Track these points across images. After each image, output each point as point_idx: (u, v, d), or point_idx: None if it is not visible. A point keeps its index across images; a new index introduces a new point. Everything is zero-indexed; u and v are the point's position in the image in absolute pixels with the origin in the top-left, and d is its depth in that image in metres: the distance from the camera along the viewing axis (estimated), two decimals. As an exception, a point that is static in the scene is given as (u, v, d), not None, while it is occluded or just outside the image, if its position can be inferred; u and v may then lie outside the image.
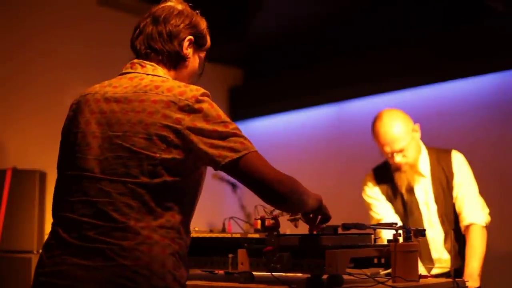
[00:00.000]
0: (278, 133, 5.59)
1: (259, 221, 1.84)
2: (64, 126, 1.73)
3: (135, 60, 1.75)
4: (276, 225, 1.79)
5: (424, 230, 1.86)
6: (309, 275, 1.71)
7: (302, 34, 5.10)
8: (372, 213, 2.94)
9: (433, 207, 2.82)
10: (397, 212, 2.89)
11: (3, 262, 3.41)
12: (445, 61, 4.45)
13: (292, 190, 1.62)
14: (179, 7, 1.79)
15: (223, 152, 1.56)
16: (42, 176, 3.57)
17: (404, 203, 2.87)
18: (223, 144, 1.57)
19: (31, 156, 4.14)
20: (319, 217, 1.84)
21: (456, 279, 1.88)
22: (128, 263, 1.50)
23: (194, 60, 1.82)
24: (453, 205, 2.80)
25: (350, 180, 3.87)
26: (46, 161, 3.00)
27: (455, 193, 2.79)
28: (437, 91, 4.59)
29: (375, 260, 1.87)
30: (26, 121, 4.32)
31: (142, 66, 1.73)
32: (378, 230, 2.01)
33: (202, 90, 1.63)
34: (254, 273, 1.84)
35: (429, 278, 1.94)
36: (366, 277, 1.81)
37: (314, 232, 1.85)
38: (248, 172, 1.58)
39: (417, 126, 2.86)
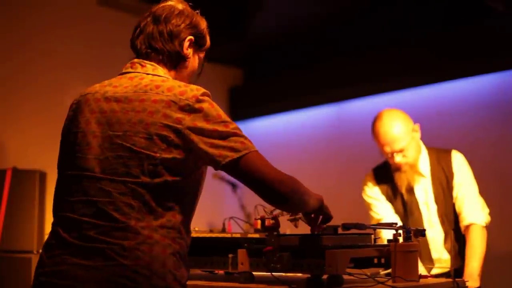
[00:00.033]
0: (278, 133, 5.59)
1: (259, 221, 1.84)
2: (64, 126, 1.73)
3: (135, 60, 1.75)
4: (276, 225, 1.79)
5: (424, 230, 1.86)
6: (309, 275, 1.71)
7: (302, 34, 5.10)
8: (372, 213, 2.94)
9: (433, 207, 2.82)
10: (397, 212, 2.89)
11: (3, 262, 3.41)
12: (445, 61, 4.45)
13: (293, 190, 1.62)
14: (180, 6, 1.79)
15: (223, 151, 1.56)
16: (42, 176, 3.57)
17: (404, 203, 2.87)
18: (223, 144, 1.57)
19: (31, 156, 4.14)
20: (321, 217, 1.84)
21: (456, 279, 1.88)
22: (128, 263, 1.50)
23: (194, 60, 1.83)
24: (453, 205, 2.80)
25: (350, 180, 3.87)
26: (46, 161, 3.00)
27: (455, 193, 2.79)
28: (437, 91, 4.59)
29: (375, 260, 1.87)
30: (26, 121, 4.32)
31: (142, 66, 1.73)
32: (378, 230, 2.01)
33: (203, 90, 1.63)
34: (254, 273, 1.84)
35: (429, 278, 1.94)
36: (366, 277, 1.81)
37: (316, 232, 1.85)
38: (248, 172, 1.58)
39: (417, 126, 2.86)
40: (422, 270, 2.56)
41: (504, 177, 4.16)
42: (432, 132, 3.42)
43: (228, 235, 1.94)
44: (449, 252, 2.80)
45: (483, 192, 2.82)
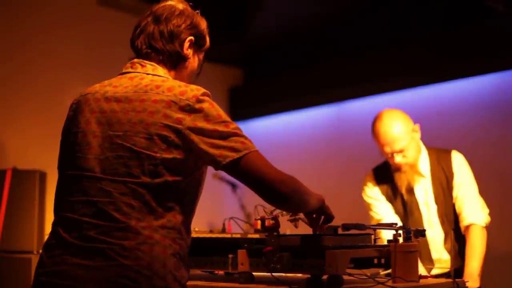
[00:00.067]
0: (278, 133, 5.59)
1: (259, 222, 1.84)
2: (64, 126, 1.73)
3: (135, 60, 1.75)
4: (276, 225, 1.79)
5: (424, 230, 1.86)
6: (309, 275, 1.71)
7: (302, 34, 5.10)
8: (372, 213, 2.94)
9: (433, 207, 2.82)
10: (397, 212, 2.89)
11: (3, 262, 3.41)
12: (445, 61, 4.45)
13: (294, 190, 1.62)
14: (180, 6, 1.79)
15: (224, 152, 1.56)
16: (42, 176, 3.57)
17: (404, 203, 2.87)
18: (224, 144, 1.57)
19: (31, 156, 4.14)
20: (322, 217, 1.84)
21: (456, 279, 1.88)
22: (129, 263, 1.50)
23: (193, 61, 1.83)
24: (453, 205, 2.80)
25: (350, 180, 3.87)
26: (46, 161, 3.00)
27: (455, 193, 2.79)
28: (437, 91, 4.59)
29: (375, 261, 1.86)
30: (26, 121, 4.32)
31: (142, 66, 1.73)
32: (378, 230, 2.01)
33: (203, 90, 1.63)
34: (254, 273, 1.84)
35: (429, 278, 1.94)
36: (366, 277, 1.81)
37: (318, 233, 1.85)
38: (249, 172, 1.58)
39: (417, 126, 2.86)
40: (422, 270, 2.56)
41: (504, 177, 4.16)
42: (432, 132, 3.42)
43: (228, 235, 1.94)
44: (449, 252, 2.80)
45: (483, 192, 2.82)
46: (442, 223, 2.81)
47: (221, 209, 5.17)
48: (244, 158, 1.57)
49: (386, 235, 2.42)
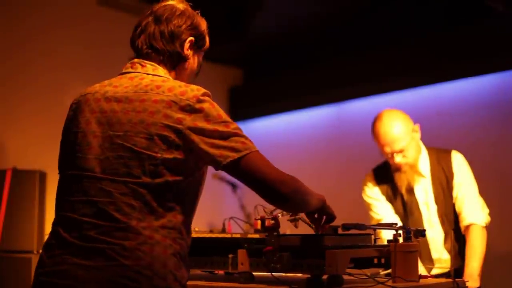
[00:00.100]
0: (278, 133, 5.59)
1: (259, 221, 1.84)
2: (64, 126, 1.73)
3: (135, 60, 1.75)
4: (276, 225, 1.79)
5: (424, 230, 1.86)
6: (309, 275, 1.71)
7: (302, 34, 5.10)
8: (372, 213, 2.94)
9: (433, 207, 2.82)
10: (397, 212, 2.89)
11: (3, 262, 3.41)
12: (445, 61, 4.45)
13: (295, 190, 1.62)
14: (181, 7, 1.79)
15: (224, 152, 1.56)
16: (42, 176, 3.57)
17: (404, 203, 2.87)
18: (224, 144, 1.57)
19: (31, 156, 4.14)
20: (324, 217, 1.84)
21: (456, 279, 1.88)
22: (129, 263, 1.50)
23: (193, 61, 1.82)
24: (453, 205, 2.80)
25: (350, 180, 3.87)
26: (46, 161, 3.00)
27: (455, 193, 2.79)
28: (437, 91, 4.59)
29: (375, 260, 1.87)
30: (26, 121, 4.33)
31: (143, 66, 1.73)
32: (378, 230, 2.01)
33: (203, 90, 1.63)
34: (254, 273, 1.84)
35: (429, 278, 1.94)
36: (366, 277, 1.81)
37: (320, 233, 1.85)
38: (249, 172, 1.58)
39: (417, 126, 2.86)
40: (422, 270, 2.56)
41: (504, 177, 4.16)
42: (432, 132, 3.42)
43: (228, 235, 1.94)
44: (449, 252, 2.80)
45: (483, 192, 2.82)
46: (442, 223, 2.81)
47: (221, 209, 5.17)
48: (245, 158, 1.57)
49: (386, 235, 2.42)
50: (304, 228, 1.89)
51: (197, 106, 1.59)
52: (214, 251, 1.93)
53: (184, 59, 1.78)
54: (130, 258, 1.50)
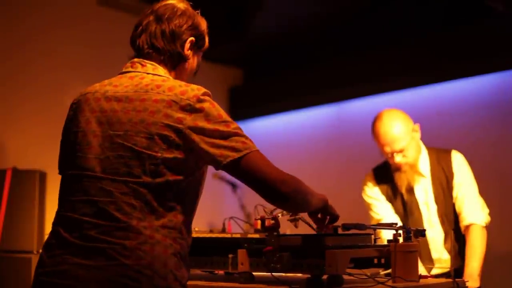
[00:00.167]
0: (278, 133, 5.59)
1: (259, 221, 1.84)
2: (64, 126, 1.73)
3: (135, 59, 1.75)
4: (276, 225, 1.79)
5: (424, 230, 1.86)
6: (309, 275, 1.71)
7: (302, 34, 5.10)
8: (372, 213, 2.94)
9: (433, 207, 2.82)
10: (397, 212, 2.89)
11: (3, 262, 3.41)
12: (445, 61, 4.45)
13: (295, 190, 1.62)
14: (182, 6, 1.79)
15: (224, 151, 1.56)
16: (42, 176, 3.57)
17: (404, 203, 2.87)
18: (224, 144, 1.57)
19: (31, 156, 4.14)
20: (328, 217, 1.83)
21: (456, 279, 1.88)
22: (130, 263, 1.50)
23: (193, 61, 1.82)
24: (453, 205, 2.80)
25: (350, 180, 3.87)
26: (46, 161, 3.00)
27: (455, 193, 2.79)
28: (437, 91, 4.59)
29: (375, 260, 1.87)
30: (26, 121, 4.33)
31: (143, 65, 1.73)
32: (378, 230, 2.01)
33: (204, 90, 1.63)
34: (254, 273, 1.84)
35: (429, 278, 1.94)
36: (366, 277, 1.81)
37: (323, 233, 1.85)
38: (249, 172, 1.58)
39: (417, 126, 2.86)
40: (422, 270, 2.56)
41: (504, 177, 4.16)
42: (432, 132, 3.42)
43: (228, 235, 1.94)
44: (449, 252, 2.80)
45: (483, 192, 2.82)
46: (442, 223, 2.81)
47: (221, 209, 5.17)
48: (245, 158, 1.57)
49: (386, 235, 2.42)
50: (304, 228, 1.89)
51: (198, 105, 1.59)
52: (214, 251, 1.93)
53: (185, 59, 1.78)
54: (130, 257, 1.50)
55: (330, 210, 1.81)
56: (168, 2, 1.79)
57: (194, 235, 1.75)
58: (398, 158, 2.79)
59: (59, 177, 1.73)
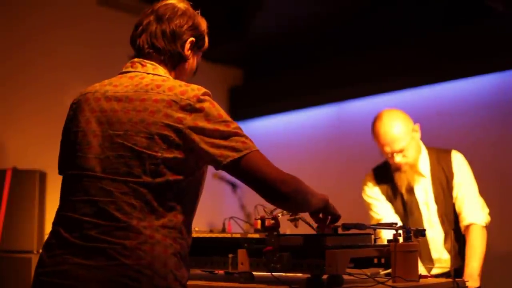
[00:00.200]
0: (278, 133, 5.59)
1: (259, 221, 1.84)
2: (64, 125, 1.73)
3: (136, 59, 1.75)
4: (276, 225, 1.79)
5: (424, 230, 1.86)
6: (309, 275, 1.71)
7: (302, 34, 5.10)
8: (372, 213, 2.94)
9: (433, 207, 2.82)
10: (397, 212, 2.89)
11: (3, 262, 3.41)
12: (445, 61, 4.45)
13: (296, 190, 1.62)
14: (182, 6, 1.79)
15: (224, 151, 1.56)
16: (42, 176, 3.57)
17: (404, 203, 2.87)
18: (224, 144, 1.57)
19: (31, 156, 4.14)
20: (329, 217, 1.83)
21: (456, 279, 1.88)
22: (130, 263, 1.50)
23: (193, 61, 1.83)
24: (453, 205, 2.80)
25: (350, 180, 3.87)
26: (46, 161, 3.00)
27: (455, 193, 2.79)
28: (437, 91, 4.59)
29: (375, 260, 1.87)
30: (26, 121, 4.32)
31: (143, 65, 1.73)
32: (378, 230, 2.01)
33: (204, 90, 1.63)
34: (254, 273, 1.84)
35: (429, 278, 1.94)
36: (366, 277, 1.81)
37: (326, 233, 1.85)
38: (249, 172, 1.58)
39: (417, 126, 2.86)
40: (422, 270, 2.56)
41: (504, 177, 4.16)
42: (432, 132, 3.42)
43: (228, 235, 1.94)
44: (449, 252, 2.80)
45: (483, 192, 2.82)
46: (442, 223, 2.81)
47: (221, 209, 5.17)
48: (245, 158, 1.57)
49: (386, 235, 2.42)
50: (304, 228, 1.89)
51: (198, 105, 1.59)
52: (214, 251, 1.93)
53: (185, 59, 1.78)
54: (130, 257, 1.50)
55: (331, 210, 1.81)
56: (168, 2, 1.79)
57: (194, 235, 1.75)
58: (398, 158, 2.79)
59: (59, 177, 1.73)
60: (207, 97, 1.62)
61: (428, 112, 4.39)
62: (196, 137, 1.57)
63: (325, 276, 1.69)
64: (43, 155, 3.42)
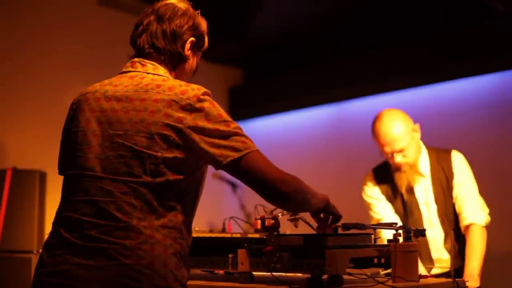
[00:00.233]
0: (278, 133, 5.59)
1: (259, 221, 1.84)
2: (64, 125, 1.73)
3: (136, 59, 1.75)
4: (276, 225, 1.78)
5: (424, 230, 1.87)
6: (309, 275, 1.71)
7: (302, 34, 5.10)
8: (372, 213, 2.94)
9: (433, 207, 2.82)
10: (397, 212, 2.89)
11: (3, 262, 3.41)
12: (445, 61, 4.45)
13: (296, 190, 1.62)
14: (182, 6, 1.79)
15: (224, 151, 1.56)
16: (42, 176, 3.57)
17: (404, 203, 2.87)
18: (224, 144, 1.57)
19: (31, 156, 4.14)
20: (330, 217, 1.83)
21: (456, 279, 1.88)
22: (130, 262, 1.50)
23: (193, 62, 1.83)
24: (453, 205, 2.80)
25: (350, 180, 3.87)
26: (46, 161, 3.00)
27: (455, 193, 2.79)
28: (437, 91, 4.59)
29: (375, 260, 1.87)
30: (26, 121, 4.32)
31: (143, 65, 1.73)
32: (378, 230, 2.01)
33: (204, 89, 1.63)
34: (254, 273, 1.84)
35: (429, 278, 1.94)
36: (366, 277, 1.81)
37: (327, 233, 1.85)
38: (249, 172, 1.58)
39: (417, 126, 2.86)
40: (422, 270, 2.56)
41: (504, 177, 4.16)
42: (432, 132, 3.43)
43: (228, 235, 1.94)
44: (449, 252, 2.80)
45: (483, 192, 2.82)
46: (442, 223, 2.81)
47: (221, 209, 5.17)
48: (245, 158, 1.57)
49: (386, 235, 2.42)
50: (304, 228, 1.89)
51: (198, 105, 1.59)
52: (214, 251, 1.93)
53: (185, 59, 1.78)
54: (131, 257, 1.50)
55: (332, 209, 1.81)
56: (169, 2, 1.79)
57: (194, 235, 1.75)
58: (398, 158, 2.79)
59: (59, 177, 1.73)
60: (207, 97, 1.62)
61: (428, 112, 4.39)
62: (196, 137, 1.57)
63: (325, 276, 1.69)
64: (43, 155, 3.42)
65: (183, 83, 1.65)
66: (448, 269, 2.67)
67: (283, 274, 1.81)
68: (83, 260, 1.52)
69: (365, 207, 2.99)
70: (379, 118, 2.84)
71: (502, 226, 3.65)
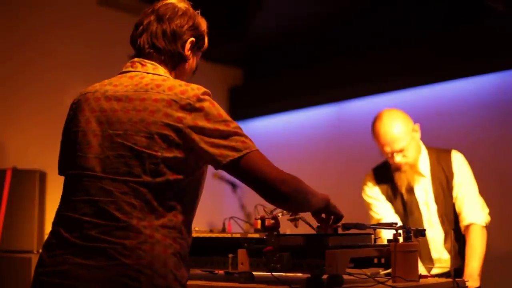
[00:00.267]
0: (278, 133, 5.59)
1: (259, 221, 1.84)
2: (64, 125, 1.73)
3: (135, 59, 1.75)
4: (276, 225, 1.78)
5: (424, 230, 1.86)
6: (309, 275, 1.71)
7: (302, 34, 5.10)
8: (372, 213, 2.94)
9: (433, 207, 2.82)
10: (397, 212, 2.89)
11: (3, 262, 3.41)
12: (445, 61, 4.45)
13: (296, 190, 1.62)
14: (182, 6, 1.79)
15: (224, 151, 1.56)
16: (42, 176, 3.57)
17: (404, 203, 2.87)
18: (224, 143, 1.57)
19: (31, 156, 4.14)
20: (332, 217, 1.83)
21: (456, 279, 1.88)
22: (130, 262, 1.50)
23: (193, 62, 1.83)
24: (453, 205, 2.80)
25: (350, 180, 3.87)
26: (46, 161, 3.00)
27: (455, 193, 2.79)
28: (437, 91, 4.59)
29: (375, 260, 1.87)
30: (26, 121, 4.33)
31: (143, 65, 1.73)
32: (378, 230, 2.01)
33: (203, 89, 1.63)
34: (254, 273, 1.84)
35: (429, 278, 1.94)
36: (366, 277, 1.81)
37: (328, 232, 1.85)
38: (249, 171, 1.58)
39: (417, 126, 2.86)
40: (422, 270, 2.56)
41: (504, 177, 4.16)
42: (432, 132, 3.43)
43: (228, 235, 1.94)
44: (449, 252, 2.80)
45: (483, 192, 2.81)
46: (442, 223, 2.81)
47: (221, 209, 5.17)
48: (245, 158, 1.57)
49: (386, 235, 2.42)
50: (304, 228, 1.89)
51: (198, 105, 1.59)
52: (214, 251, 1.93)
53: (185, 59, 1.78)
54: (130, 257, 1.50)
55: (333, 209, 1.81)
56: (169, 2, 1.79)
57: (194, 235, 1.75)
58: (398, 158, 2.79)
59: (59, 177, 1.73)
60: (207, 97, 1.62)
61: (428, 112, 4.39)
62: (196, 137, 1.57)
63: (325, 276, 1.69)
64: (43, 155, 3.42)
65: (183, 83, 1.65)
66: (448, 269, 2.67)
67: (283, 274, 1.81)
68: (83, 260, 1.52)
69: (365, 207, 2.99)
70: (379, 118, 2.84)
71: (502, 226, 3.65)
